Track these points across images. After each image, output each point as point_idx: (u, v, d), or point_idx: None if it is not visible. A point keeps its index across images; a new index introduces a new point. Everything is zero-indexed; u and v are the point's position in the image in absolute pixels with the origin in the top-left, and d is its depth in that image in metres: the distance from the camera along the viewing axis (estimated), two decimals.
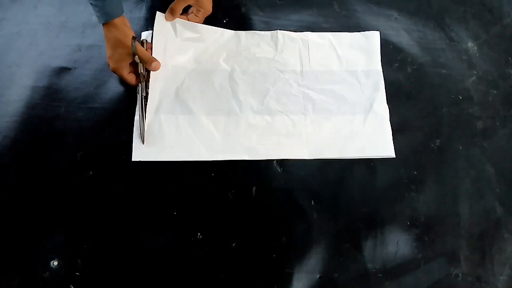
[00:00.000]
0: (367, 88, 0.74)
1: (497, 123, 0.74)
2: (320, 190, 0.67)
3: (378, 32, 0.78)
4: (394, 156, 0.69)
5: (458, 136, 0.73)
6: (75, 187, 0.65)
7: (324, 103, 0.72)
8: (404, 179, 0.69)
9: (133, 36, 0.67)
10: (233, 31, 0.77)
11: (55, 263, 0.61)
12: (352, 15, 0.81)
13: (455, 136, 0.73)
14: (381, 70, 0.76)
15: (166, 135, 0.67)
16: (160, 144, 0.67)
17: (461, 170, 0.70)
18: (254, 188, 0.67)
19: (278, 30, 0.77)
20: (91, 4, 0.64)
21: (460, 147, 0.72)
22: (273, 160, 0.68)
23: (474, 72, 0.78)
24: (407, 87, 0.75)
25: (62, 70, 0.72)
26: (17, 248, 0.61)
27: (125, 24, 0.68)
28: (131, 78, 0.69)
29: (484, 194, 0.69)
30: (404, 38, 0.79)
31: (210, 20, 0.77)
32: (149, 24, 0.75)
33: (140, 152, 0.66)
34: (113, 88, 0.71)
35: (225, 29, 0.76)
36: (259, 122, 0.70)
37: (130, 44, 0.66)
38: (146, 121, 0.67)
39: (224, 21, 0.78)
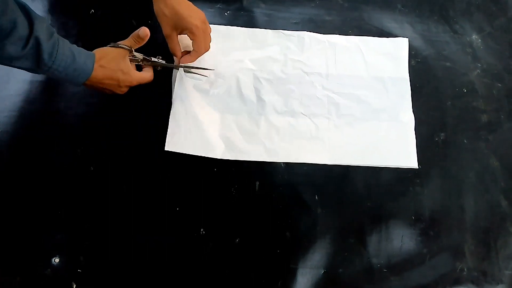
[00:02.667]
0: (393, 95, 0.72)
1: (502, 117, 0.74)
2: (324, 185, 0.67)
3: (407, 39, 0.77)
4: (418, 167, 0.68)
5: (462, 129, 0.72)
6: (76, 183, 0.64)
7: (348, 108, 0.71)
8: (408, 173, 0.68)
9: None
10: (259, 30, 0.75)
11: (57, 260, 0.60)
12: (355, 7, 0.80)
13: (460, 129, 0.72)
14: (408, 78, 0.74)
15: (190, 130, 0.66)
16: (185, 138, 0.66)
17: (466, 163, 0.70)
18: (257, 183, 0.66)
19: (305, 31, 0.76)
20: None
21: (465, 141, 0.71)
22: None
23: (479, 65, 0.77)
24: (411, 80, 0.74)
25: None
26: (18, 245, 0.61)
27: None
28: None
29: (489, 188, 0.69)
30: (407, 31, 0.78)
31: (211, 13, 0.76)
32: None
33: (173, 143, 0.65)
34: None
35: (250, 29, 0.75)
36: (282, 124, 0.69)
37: None
38: (171, 114, 0.66)
39: (226, 13, 0.77)
